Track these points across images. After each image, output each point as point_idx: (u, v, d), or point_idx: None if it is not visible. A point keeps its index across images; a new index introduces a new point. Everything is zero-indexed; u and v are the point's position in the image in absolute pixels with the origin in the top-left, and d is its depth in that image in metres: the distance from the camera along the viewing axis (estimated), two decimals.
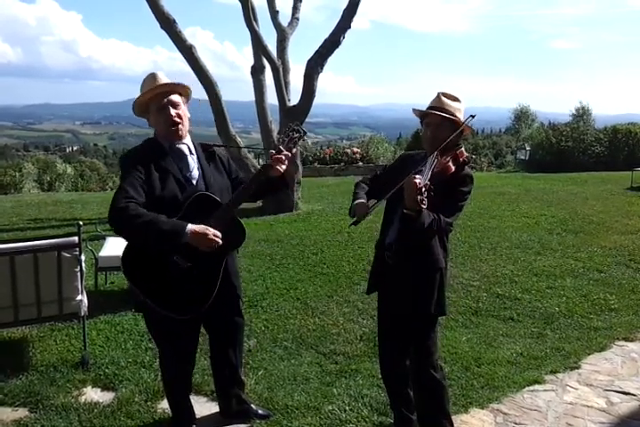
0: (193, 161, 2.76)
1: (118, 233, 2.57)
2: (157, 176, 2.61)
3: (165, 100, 2.67)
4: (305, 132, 2.81)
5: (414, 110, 2.79)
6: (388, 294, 2.83)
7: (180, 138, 2.73)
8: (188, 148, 2.77)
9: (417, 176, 2.33)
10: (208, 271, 2.66)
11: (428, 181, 2.34)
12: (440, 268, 2.72)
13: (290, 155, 2.75)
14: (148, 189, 2.56)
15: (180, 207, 2.58)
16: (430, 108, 2.70)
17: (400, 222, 2.67)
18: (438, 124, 2.65)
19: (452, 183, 2.57)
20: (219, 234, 2.52)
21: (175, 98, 2.70)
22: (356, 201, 2.78)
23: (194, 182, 2.71)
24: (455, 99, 2.71)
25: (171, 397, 3.00)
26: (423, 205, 2.31)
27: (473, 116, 2.66)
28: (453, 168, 2.55)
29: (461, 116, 2.68)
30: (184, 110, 2.74)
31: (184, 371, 2.96)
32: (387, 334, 2.89)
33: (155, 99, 2.68)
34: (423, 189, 2.28)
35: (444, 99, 2.69)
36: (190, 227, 2.45)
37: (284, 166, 2.73)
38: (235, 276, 2.95)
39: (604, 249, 6.84)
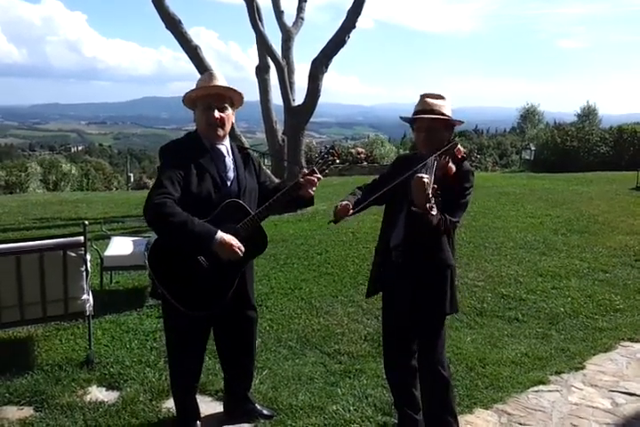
0: (230, 162, 2.80)
1: (151, 227, 2.62)
2: (195, 173, 2.65)
3: (212, 101, 2.70)
4: (339, 156, 2.88)
5: (402, 118, 2.80)
6: (396, 293, 2.82)
7: (218, 139, 2.76)
8: (227, 149, 2.81)
9: (424, 175, 2.33)
10: (226, 275, 2.71)
11: (433, 183, 2.34)
12: (450, 264, 2.74)
13: (322, 178, 2.82)
14: (184, 185, 2.60)
15: (212, 206, 2.63)
16: (417, 112, 2.70)
17: (406, 222, 2.67)
18: (428, 126, 2.66)
19: (454, 181, 2.57)
20: (242, 248, 2.56)
21: (223, 101, 2.73)
22: (340, 202, 2.78)
23: (228, 184, 2.75)
24: (439, 97, 2.71)
25: (176, 394, 3.01)
26: (433, 212, 2.32)
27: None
28: (454, 169, 2.54)
29: (449, 113, 2.69)
30: (229, 115, 2.76)
31: (191, 368, 2.97)
32: (393, 334, 2.89)
33: (203, 98, 2.72)
34: (430, 195, 2.29)
35: (428, 100, 2.69)
36: (220, 235, 2.50)
37: (315, 188, 2.79)
38: (250, 277, 2.99)
39: (610, 249, 6.83)
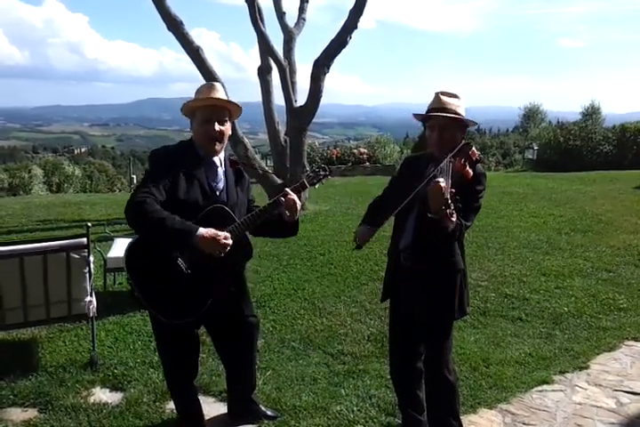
0: (221, 173, 2.77)
1: (131, 225, 2.57)
2: (184, 180, 2.62)
3: (213, 114, 2.67)
4: (331, 171, 2.87)
5: (415, 115, 2.76)
6: (404, 296, 2.79)
7: (215, 153, 2.73)
8: (220, 160, 2.78)
9: (441, 180, 2.27)
10: (206, 281, 2.64)
11: (451, 187, 2.28)
12: (461, 269, 2.70)
13: (298, 201, 2.72)
14: (172, 192, 2.57)
15: (198, 214, 2.59)
16: (431, 109, 2.66)
17: (416, 224, 2.64)
18: (443, 125, 2.61)
19: (468, 185, 2.51)
20: (229, 238, 2.51)
21: (223, 114, 2.70)
22: (359, 227, 2.87)
23: (217, 193, 2.72)
24: (454, 95, 2.67)
25: (175, 398, 3.00)
26: (453, 219, 2.28)
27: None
28: (472, 172, 2.47)
29: (463, 112, 2.65)
30: (228, 128, 2.74)
31: (183, 373, 2.93)
32: (399, 336, 2.88)
33: (204, 109, 2.68)
34: (449, 201, 2.23)
35: (443, 98, 2.64)
36: (201, 230, 2.46)
37: (296, 215, 2.73)
38: (242, 286, 2.96)
39: (613, 248, 6.81)
